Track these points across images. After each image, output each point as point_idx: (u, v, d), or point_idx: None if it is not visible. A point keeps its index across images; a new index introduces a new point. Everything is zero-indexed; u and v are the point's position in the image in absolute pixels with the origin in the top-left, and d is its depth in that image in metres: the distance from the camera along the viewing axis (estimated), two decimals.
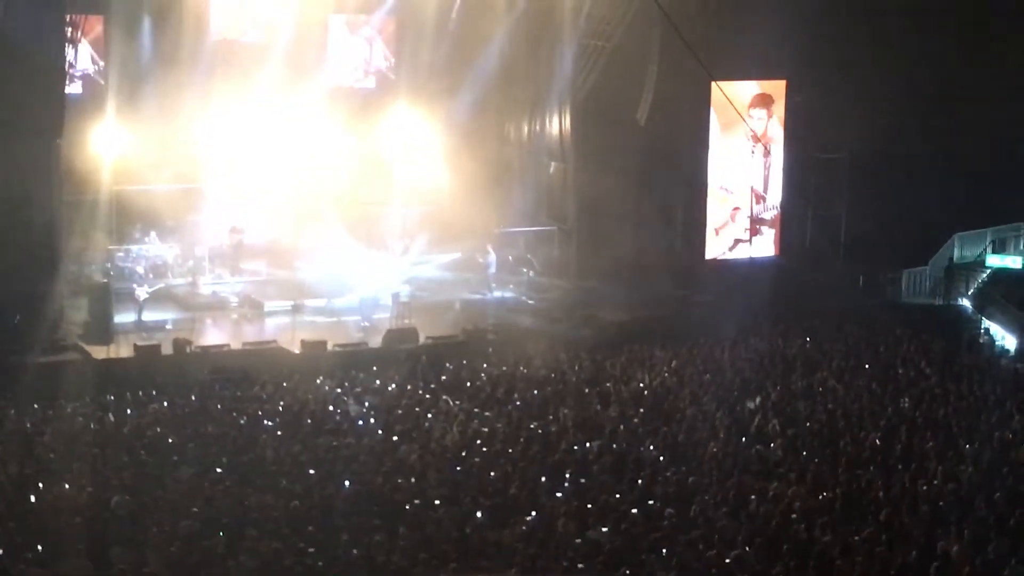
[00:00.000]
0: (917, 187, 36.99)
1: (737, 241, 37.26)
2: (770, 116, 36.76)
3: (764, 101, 36.61)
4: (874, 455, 20.67)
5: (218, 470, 19.57)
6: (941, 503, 18.12)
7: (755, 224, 37.29)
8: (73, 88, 32.03)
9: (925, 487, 18.77)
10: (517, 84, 37.92)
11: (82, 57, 32.89)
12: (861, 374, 26.63)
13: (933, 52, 36.35)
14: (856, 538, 16.51)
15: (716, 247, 36.98)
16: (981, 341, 32.77)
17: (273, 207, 35.58)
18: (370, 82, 37.95)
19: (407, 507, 17.78)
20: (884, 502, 18.07)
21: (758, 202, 37.22)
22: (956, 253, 37.67)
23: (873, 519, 17.32)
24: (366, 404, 24.35)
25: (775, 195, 37.43)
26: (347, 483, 18.89)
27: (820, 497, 18.41)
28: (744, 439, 21.69)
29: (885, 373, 26.73)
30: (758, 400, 24.33)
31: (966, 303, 36.08)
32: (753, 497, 18.21)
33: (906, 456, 20.54)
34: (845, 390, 25.20)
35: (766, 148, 36.66)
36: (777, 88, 36.91)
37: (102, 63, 33.85)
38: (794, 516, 17.41)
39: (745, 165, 37.07)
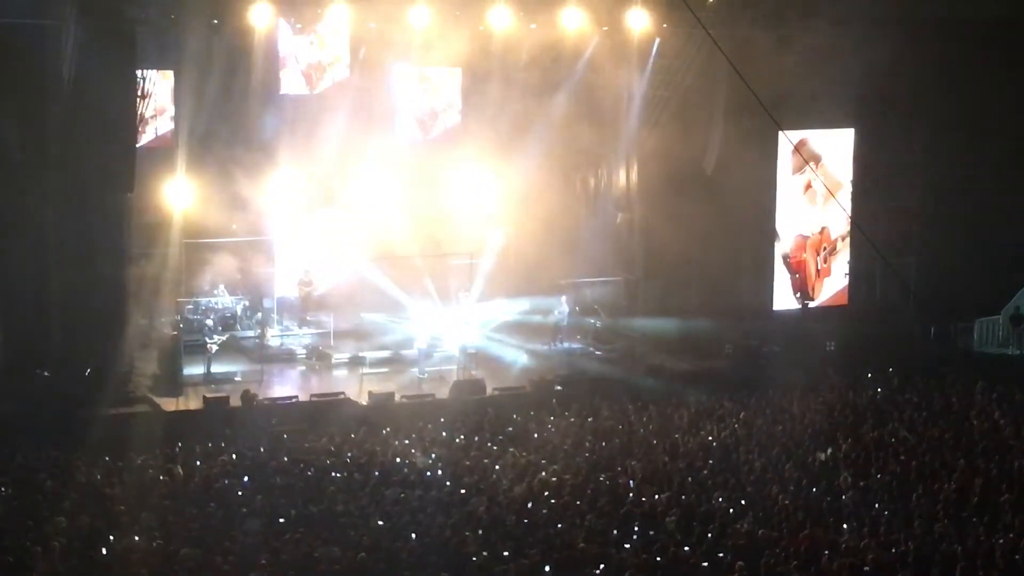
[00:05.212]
0: (989, 235, 36.59)
1: (805, 290, 37.00)
2: (816, 164, 36.38)
3: (806, 153, 36.22)
4: (948, 507, 20.37)
5: (285, 521, 19.60)
6: (1017, 556, 17.82)
7: (823, 273, 37.00)
8: (144, 142, 32.43)
9: (1001, 540, 18.47)
10: (583, 135, 37.89)
11: (152, 111, 33.27)
12: (933, 425, 26.28)
13: (1003, 101, 36.01)
14: None
15: (784, 296, 36.72)
16: None
17: (341, 259, 35.69)
18: (436, 133, 38.09)
19: (474, 559, 17.72)
20: (959, 556, 17.78)
21: (825, 251, 36.95)
22: None
23: (948, 574, 17.04)
24: (433, 456, 24.32)
25: (842, 244, 37.14)
26: (414, 535, 18.84)
27: (893, 551, 18.16)
28: (815, 491, 21.46)
29: (958, 424, 26.37)
30: (829, 451, 24.07)
31: None
32: (826, 551, 18.00)
33: (981, 509, 20.23)
34: (917, 441, 24.88)
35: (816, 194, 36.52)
36: (845, 137, 36.71)
37: (172, 117, 34.23)
38: (866, 569, 17.20)
39: (812, 214, 36.85)
